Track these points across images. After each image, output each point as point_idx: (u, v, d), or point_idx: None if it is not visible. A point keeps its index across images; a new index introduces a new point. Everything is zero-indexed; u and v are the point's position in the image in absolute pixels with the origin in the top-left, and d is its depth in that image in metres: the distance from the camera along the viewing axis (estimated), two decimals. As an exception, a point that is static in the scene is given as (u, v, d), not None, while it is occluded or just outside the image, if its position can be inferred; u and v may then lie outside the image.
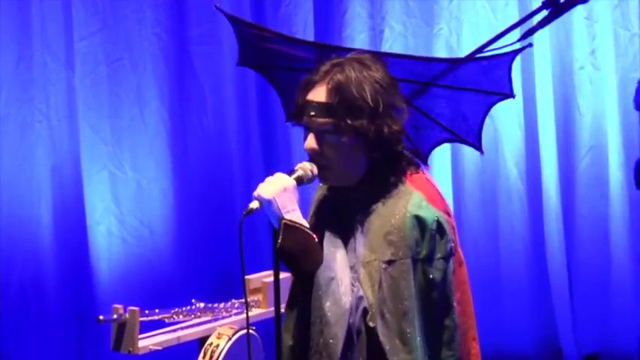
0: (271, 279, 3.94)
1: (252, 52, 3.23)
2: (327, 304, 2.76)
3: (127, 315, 3.84)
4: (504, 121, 5.58)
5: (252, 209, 2.79)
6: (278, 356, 2.91)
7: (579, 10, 5.35)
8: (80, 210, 5.43)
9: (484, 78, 3.07)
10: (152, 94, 5.50)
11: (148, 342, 3.90)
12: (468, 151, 5.44)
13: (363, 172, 2.84)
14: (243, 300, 4.02)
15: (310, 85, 2.83)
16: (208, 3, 5.33)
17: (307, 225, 2.82)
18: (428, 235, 2.77)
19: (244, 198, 5.38)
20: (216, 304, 4.12)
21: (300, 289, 2.85)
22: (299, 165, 2.85)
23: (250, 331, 3.85)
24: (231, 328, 3.95)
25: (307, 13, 5.57)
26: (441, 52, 5.53)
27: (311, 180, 2.85)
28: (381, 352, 2.75)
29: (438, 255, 2.79)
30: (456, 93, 3.08)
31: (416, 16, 5.57)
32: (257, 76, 3.90)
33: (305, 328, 2.81)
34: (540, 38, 5.32)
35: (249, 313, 3.21)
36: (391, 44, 5.55)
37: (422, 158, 3.11)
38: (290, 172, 2.83)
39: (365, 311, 2.76)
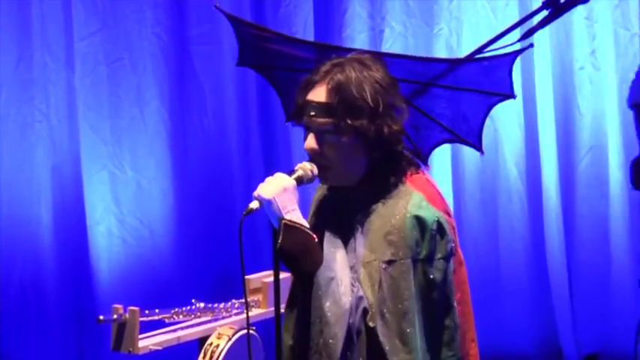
0: (271, 279, 3.94)
1: (252, 52, 3.23)
2: (327, 304, 2.76)
3: (127, 315, 3.84)
4: (504, 121, 5.58)
5: (252, 209, 2.79)
6: (278, 356, 2.91)
7: (579, 10, 5.36)
8: (80, 210, 5.43)
9: (485, 78, 3.07)
10: (152, 94, 5.50)
11: (148, 342, 3.90)
12: (468, 152, 5.44)
13: (363, 172, 2.84)
14: (243, 300, 4.02)
15: (310, 85, 2.83)
16: (208, 3, 5.33)
17: (307, 225, 2.82)
18: (428, 235, 2.77)
19: (244, 198, 5.38)
20: (216, 304, 4.12)
21: (300, 289, 2.85)
22: (299, 165, 2.85)
23: (250, 331, 3.85)
24: (231, 328, 3.95)
25: (307, 13, 5.57)
26: (441, 52, 5.53)
27: (311, 180, 2.85)
28: (381, 352, 2.74)
29: (439, 255, 2.79)
30: (457, 93, 3.08)
31: (416, 16, 5.57)
32: (257, 76, 3.90)
33: (305, 328, 2.81)
34: (540, 38, 5.32)
35: (249, 313, 3.21)
36: (391, 44, 5.55)
37: (422, 158, 3.11)
38: (290, 172, 2.83)
39: (365, 311, 2.76)
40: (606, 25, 5.52)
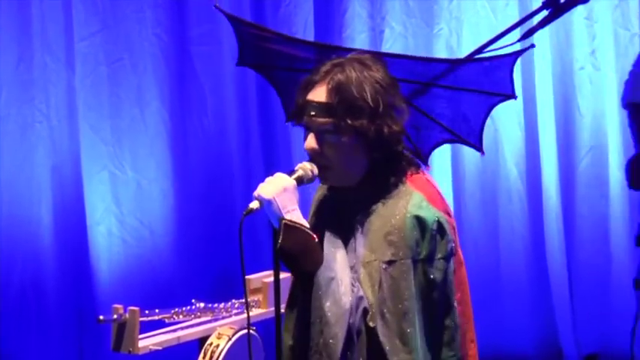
0: (271, 279, 3.94)
1: (252, 52, 3.23)
2: (327, 304, 2.76)
3: (127, 315, 3.84)
4: (504, 121, 5.59)
5: (252, 209, 2.79)
6: (278, 356, 2.92)
7: (579, 10, 5.36)
8: (80, 210, 5.43)
9: (485, 79, 3.07)
10: (152, 95, 5.50)
11: (148, 342, 3.90)
12: (468, 152, 5.44)
13: (363, 172, 2.84)
14: (243, 300, 4.02)
15: (310, 85, 2.83)
16: (208, 3, 5.33)
17: (307, 225, 2.82)
18: (428, 235, 2.78)
19: (244, 198, 5.38)
20: (216, 305, 4.12)
21: (300, 289, 2.85)
22: (299, 165, 2.85)
23: (250, 331, 3.85)
24: (231, 328, 3.95)
25: (307, 14, 5.57)
26: (441, 52, 5.53)
27: (311, 180, 2.85)
28: (381, 352, 2.75)
29: (439, 255, 2.79)
30: (457, 93, 3.08)
31: (416, 16, 5.57)
32: (257, 76, 3.90)
33: (305, 328, 2.81)
34: (540, 38, 5.31)
35: (249, 313, 3.21)
36: (391, 44, 5.55)
37: (422, 158, 3.11)
38: (290, 172, 2.83)
39: (365, 311, 2.76)
40: (606, 25, 5.52)
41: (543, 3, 3.33)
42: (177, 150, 5.53)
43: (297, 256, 2.79)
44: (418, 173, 2.90)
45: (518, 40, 3.31)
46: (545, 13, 3.34)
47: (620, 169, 5.49)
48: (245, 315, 4.07)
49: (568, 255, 5.63)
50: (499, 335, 5.64)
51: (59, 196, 5.47)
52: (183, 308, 4.07)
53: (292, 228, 2.77)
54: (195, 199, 5.55)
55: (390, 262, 2.77)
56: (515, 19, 5.12)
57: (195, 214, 5.54)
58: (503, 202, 5.66)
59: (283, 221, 2.77)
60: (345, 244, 2.84)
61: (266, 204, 2.78)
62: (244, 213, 2.78)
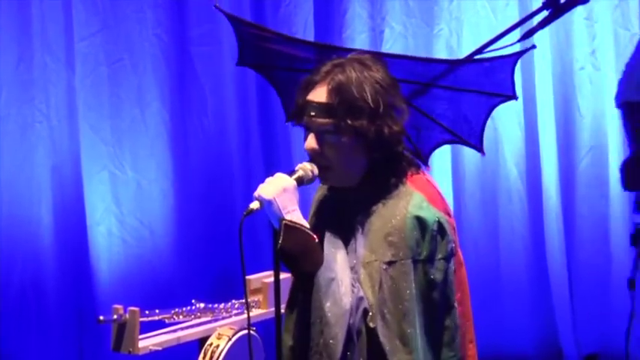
0: (271, 279, 3.94)
1: (252, 52, 3.23)
2: (328, 304, 2.76)
3: (127, 315, 3.84)
4: (504, 121, 5.58)
5: (252, 210, 2.79)
6: (278, 356, 2.92)
7: (579, 10, 5.36)
8: (80, 210, 5.43)
9: (486, 79, 3.07)
10: (153, 95, 5.50)
11: (148, 342, 3.89)
12: (468, 152, 5.44)
13: (363, 172, 2.84)
14: (244, 300, 4.02)
15: (311, 86, 2.83)
16: (208, 3, 5.33)
17: (307, 225, 2.82)
18: (429, 235, 2.78)
19: (244, 198, 5.38)
20: (216, 305, 4.12)
21: (300, 289, 2.85)
22: (299, 165, 2.85)
23: (251, 331, 3.85)
24: (231, 329, 3.95)
25: (307, 14, 5.57)
26: (441, 52, 5.53)
27: (311, 180, 2.85)
28: (382, 352, 2.75)
29: (439, 255, 2.79)
30: (457, 94, 3.08)
31: (416, 16, 5.57)
32: (257, 76, 3.90)
33: (305, 329, 2.81)
34: (541, 38, 5.31)
35: (250, 314, 3.21)
36: (391, 45, 5.55)
37: (422, 159, 3.12)
38: (290, 173, 2.83)
39: (365, 312, 2.76)
40: (606, 25, 5.52)
41: (543, 3, 3.33)
42: (177, 150, 5.53)
43: (298, 257, 2.79)
44: (418, 174, 2.89)
45: (519, 41, 3.31)
46: (545, 13, 3.33)
47: (621, 169, 5.50)
48: (245, 315, 4.07)
49: (568, 255, 5.63)
50: (499, 335, 5.64)
51: (59, 196, 5.47)
52: (184, 308, 4.06)
53: (292, 228, 2.77)
54: (195, 199, 5.54)
55: (390, 263, 2.77)
56: (516, 19, 5.12)
57: (196, 215, 5.54)
58: (503, 202, 5.66)
59: (283, 222, 2.77)
60: (346, 244, 2.84)
61: (266, 204, 2.78)
62: (244, 213, 2.79)
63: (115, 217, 5.47)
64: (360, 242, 2.81)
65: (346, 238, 2.84)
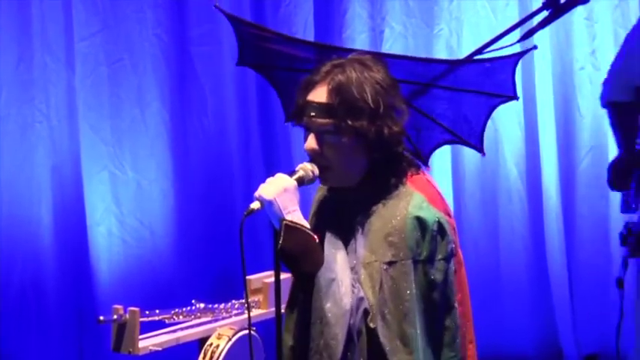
0: (272, 279, 3.95)
1: (252, 52, 3.23)
2: (328, 304, 2.76)
3: (127, 315, 3.84)
4: (504, 121, 5.59)
5: (253, 210, 2.79)
6: (278, 357, 2.92)
7: (579, 10, 5.36)
8: (80, 210, 5.43)
9: (487, 80, 3.07)
10: (153, 95, 5.50)
11: (148, 342, 3.89)
12: (468, 152, 5.43)
13: (363, 173, 2.84)
14: (244, 300, 4.02)
15: (311, 86, 2.83)
16: (208, 3, 5.32)
17: (308, 226, 2.82)
18: (429, 236, 2.78)
19: (245, 198, 5.38)
20: (216, 305, 4.12)
21: (300, 289, 2.85)
22: (300, 166, 2.85)
23: (251, 331, 3.85)
24: (232, 329, 3.95)
25: (307, 14, 5.57)
26: (441, 52, 5.53)
27: (312, 181, 2.85)
28: (382, 353, 2.75)
29: (439, 256, 2.79)
30: (458, 94, 3.08)
31: (416, 16, 5.57)
32: (257, 76, 3.90)
33: (305, 329, 2.81)
34: (541, 39, 5.31)
35: (250, 314, 3.21)
36: (391, 45, 5.55)
37: (423, 159, 3.11)
38: (291, 173, 2.83)
39: (366, 312, 2.76)
40: (606, 25, 5.52)
41: (543, 3, 3.33)
42: (177, 150, 5.53)
43: (298, 257, 2.79)
44: (418, 174, 2.90)
45: (519, 41, 3.31)
46: (545, 13, 3.33)
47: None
48: (245, 315, 4.07)
49: (568, 255, 5.63)
50: (499, 335, 5.64)
51: (59, 196, 5.47)
52: (184, 309, 4.06)
53: (293, 229, 2.77)
54: (195, 199, 5.54)
55: (390, 263, 2.77)
56: (516, 19, 5.12)
57: (196, 215, 5.54)
58: (503, 202, 5.66)
59: (284, 222, 2.77)
60: (346, 244, 2.84)
61: (267, 204, 2.78)
62: (245, 213, 2.79)
63: (115, 218, 5.47)
64: (361, 242, 2.81)
65: (346, 239, 2.84)
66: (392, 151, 2.82)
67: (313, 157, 2.84)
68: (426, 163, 3.12)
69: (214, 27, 5.47)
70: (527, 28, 3.37)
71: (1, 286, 5.41)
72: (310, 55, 3.14)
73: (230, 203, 5.54)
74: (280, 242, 2.77)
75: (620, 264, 4.40)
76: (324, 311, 2.76)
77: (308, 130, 2.84)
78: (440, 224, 2.79)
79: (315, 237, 2.80)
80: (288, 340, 2.91)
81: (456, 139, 3.13)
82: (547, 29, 3.82)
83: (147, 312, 3.92)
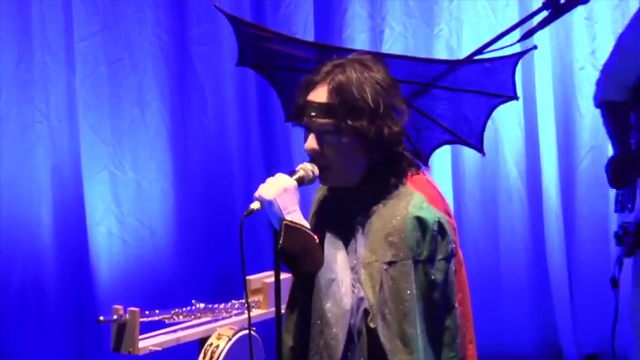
0: (272, 279, 3.95)
1: (252, 52, 3.23)
2: (328, 305, 2.76)
3: (127, 316, 3.84)
4: (504, 121, 5.58)
5: (253, 210, 2.79)
6: (278, 357, 2.92)
7: (580, 10, 5.35)
8: (80, 210, 5.43)
9: (487, 80, 3.07)
10: (153, 95, 5.50)
11: (148, 342, 3.89)
12: (468, 152, 5.43)
13: (363, 173, 2.84)
14: (244, 301, 4.02)
15: (311, 86, 2.83)
16: (208, 3, 5.32)
17: (308, 226, 2.82)
18: (429, 236, 2.78)
19: (245, 198, 5.38)
20: (216, 305, 4.12)
21: (300, 289, 2.85)
22: (300, 166, 2.85)
23: (251, 331, 3.85)
24: (232, 329, 3.95)
25: (307, 14, 5.57)
26: (441, 52, 5.53)
27: (312, 181, 2.85)
28: (382, 353, 2.75)
29: (440, 256, 2.79)
30: (458, 94, 3.08)
31: (416, 16, 5.57)
32: (257, 76, 3.90)
33: (305, 329, 2.81)
34: (541, 38, 5.31)
35: (250, 314, 3.21)
36: (391, 45, 5.54)
37: (423, 159, 3.11)
38: (291, 173, 2.83)
39: (366, 312, 2.76)
40: (606, 25, 5.52)
41: (543, 3, 3.33)
42: (177, 150, 5.53)
43: (298, 257, 2.79)
44: (418, 174, 2.90)
45: (519, 41, 3.31)
46: (545, 13, 3.33)
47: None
48: (245, 315, 4.07)
49: (568, 255, 5.63)
50: (499, 335, 5.64)
51: (59, 196, 5.47)
52: (184, 309, 4.06)
53: (293, 229, 2.77)
54: (195, 199, 5.54)
55: (390, 263, 2.77)
56: (516, 19, 5.12)
57: (196, 215, 5.54)
58: (503, 202, 5.66)
59: (284, 222, 2.77)
60: (346, 244, 2.84)
61: (267, 205, 2.78)
62: (245, 214, 2.79)
63: (115, 218, 5.47)
64: (361, 243, 2.81)
65: (346, 239, 2.84)
66: (392, 151, 2.82)
67: (313, 157, 2.84)
68: (426, 163, 3.12)
69: (214, 27, 5.47)
70: (527, 28, 3.37)
71: (1, 286, 5.41)
72: (310, 55, 3.14)
73: (230, 203, 5.54)
74: (280, 242, 2.77)
75: (614, 263, 4.40)
76: (324, 311, 2.76)
77: (308, 130, 2.84)
78: (440, 224, 2.79)
79: (315, 237, 2.81)
80: (288, 340, 2.91)
81: (456, 139, 3.13)
82: (547, 29, 3.82)
83: (147, 312, 3.92)
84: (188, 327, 4.05)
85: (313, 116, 2.80)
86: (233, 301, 4.16)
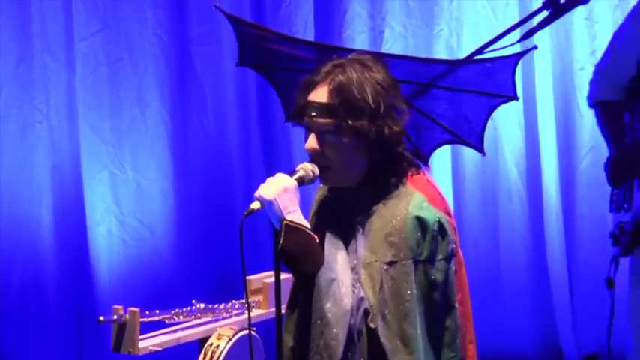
0: (272, 279, 3.95)
1: (252, 52, 3.23)
2: (328, 305, 2.76)
3: (127, 316, 3.84)
4: (504, 121, 5.58)
5: (253, 210, 2.79)
6: (279, 357, 2.92)
7: (580, 10, 5.35)
8: (80, 210, 5.43)
9: (487, 80, 3.07)
10: (153, 95, 5.50)
11: (148, 343, 3.89)
12: (468, 152, 5.43)
13: (363, 173, 2.84)
14: (244, 300, 4.02)
15: (311, 86, 2.83)
16: (208, 3, 5.33)
17: (308, 226, 2.82)
18: (429, 236, 2.78)
19: (245, 198, 5.38)
20: (216, 305, 4.12)
21: (301, 289, 2.85)
22: (300, 166, 2.85)
23: (251, 331, 3.85)
24: (232, 329, 3.95)
25: (307, 14, 5.57)
26: (441, 52, 5.53)
27: (312, 181, 2.85)
28: (383, 353, 2.75)
29: (440, 256, 2.79)
30: (458, 94, 3.08)
31: (416, 16, 5.57)
32: (257, 76, 3.90)
33: (306, 329, 2.81)
34: (541, 39, 5.31)
35: (250, 314, 3.21)
36: (391, 45, 5.54)
37: (423, 159, 3.11)
38: (291, 173, 2.83)
39: (366, 312, 2.76)
40: (606, 25, 5.52)
41: (543, 3, 3.34)
42: (177, 150, 5.53)
43: (298, 257, 2.79)
44: (419, 174, 2.90)
45: (519, 41, 3.31)
46: (545, 13, 3.34)
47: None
48: (245, 315, 4.07)
49: (568, 255, 5.63)
50: (499, 335, 5.64)
51: (59, 196, 5.47)
52: (184, 309, 4.06)
53: (293, 229, 2.77)
54: (195, 199, 5.54)
55: (391, 263, 2.77)
56: (516, 19, 5.12)
57: (196, 215, 5.54)
58: (503, 202, 5.66)
59: (284, 222, 2.77)
60: (346, 244, 2.84)
61: (267, 205, 2.78)
62: (245, 214, 2.79)
63: (115, 218, 5.47)
64: (361, 242, 2.81)
65: (347, 239, 2.84)
66: (392, 151, 2.82)
67: (314, 157, 2.84)
68: (426, 163, 3.12)
69: (214, 27, 5.47)
70: (527, 28, 3.37)
71: (1, 286, 5.41)
72: (310, 55, 3.14)
73: (230, 203, 5.54)
74: (280, 242, 2.77)
75: (610, 263, 4.39)
76: (324, 311, 2.76)
77: (309, 130, 2.84)
78: (440, 224, 2.79)
79: (316, 237, 2.81)
80: (288, 340, 2.91)
81: (456, 139, 3.13)
82: (547, 29, 3.82)
83: (147, 312, 3.92)
84: (188, 327, 4.05)
85: (314, 116, 2.81)
86: (233, 301, 4.16)
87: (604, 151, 5.54)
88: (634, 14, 4.23)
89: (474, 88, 3.07)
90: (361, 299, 2.76)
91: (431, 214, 2.79)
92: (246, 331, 3.86)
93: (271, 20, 5.54)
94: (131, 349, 3.83)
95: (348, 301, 2.76)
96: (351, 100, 2.76)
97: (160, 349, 3.91)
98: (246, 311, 3.91)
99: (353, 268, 2.80)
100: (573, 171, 5.63)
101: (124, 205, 5.47)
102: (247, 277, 4.13)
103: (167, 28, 5.49)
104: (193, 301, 4.12)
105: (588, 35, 5.54)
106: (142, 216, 5.49)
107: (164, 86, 5.51)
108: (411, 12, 5.57)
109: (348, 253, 2.82)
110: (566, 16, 3.51)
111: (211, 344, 3.90)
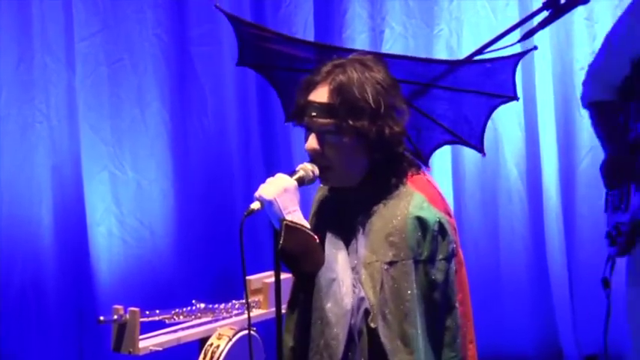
0: (272, 280, 3.94)
1: (252, 52, 3.23)
2: (328, 305, 2.76)
3: (128, 316, 3.84)
4: (505, 121, 5.58)
5: (253, 210, 2.79)
6: (279, 357, 2.92)
7: (580, 10, 5.35)
8: (80, 210, 5.43)
9: (487, 80, 3.07)
10: (153, 95, 5.50)
11: (148, 343, 3.89)
12: (468, 152, 5.43)
13: (364, 173, 2.84)
14: (244, 301, 4.02)
15: (312, 86, 2.83)
16: (208, 3, 5.33)
17: (308, 226, 2.82)
18: (430, 236, 2.78)
19: (245, 199, 5.38)
20: (216, 305, 4.12)
21: (301, 290, 2.85)
22: (300, 166, 2.85)
23: (251, 331, 3.85)
24: (232, 329, 3.95)
25: (307, 14, 5.57)
26: (441, 52, 5.52)
27: (312, 181, 2.86)
28: (383, 353, 2.75)
29: (440, 256, 2.79)
30: (458, 95, 3.08)
31: (416, 16, 5.57)
32: (257, 76, 3.90)
33: (306, 329, 2.81)
34: (541, 39, 5.31)
35: (250, 314, 3.21)
36: (391, 45, 5.54)
37: (423, 159, 3.12)
38: (291, 173, 2.83)
39: (366, 312, 2.76)
40: (606, 25, 5.48)
41: (544, 4, 3.34)
42: (177, 150, 5.53)
43: (298, 257, 2.79)
44: (419, 174, 2.90)
45: (519, 41, 3.31)
46: (545, 13, 3.34)
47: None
48: (245, 315, 4.07)
49: (568, 255, 5.63)
50: (499, 335, 5.64)
51: (59, 196, 5.47)
52: (184, 309, 4.06)
53: (293, 229, 2.77)
54: (195, 199, 5.54)
55: (391, 263, 2.77)
56: (516, 19, 5.12)
57: (196, 215, 5.54)
58: (503, 202, 5.66)
59: (284, 222, 2.77)
60: (346, 244, 2.84)
61: (267, 205, 2.78)
62: (245, 214, 2.79)
63: (115, 218, 5.47)
64: (361, 242, 2.81)
65: (347, 239, 2.84)
66: (393, 151, 2.83)
67: (314, 157, 2.84)
68: (426, 164, 3.13)
69: (214, 27, 5.47)
70: (527, 28, 3.37)
71: (1, 286, 5.41)
72: (310, 55, 3.14)
73: (230, 203, 5.54)
74: (280, 242, 2.77)
75: (605, 263, 4.39)
76: (324, 311, 2.76)
77: (309, 130, 2.84)
78: (441, 224, 2.79)
79: (316, 237, 2.81)
80: (288, 340, 2.91)
81: (456, 140, 3.13)
82: (547, 29, 3.82)
83: (147, 312, 3.92)
84: (188, 327, 4.05)
85: (314, 116, 2.81)
86: (233, 301, 4.16)
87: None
88: (628, 13, 4.22)
89: (474, 88, 3.07)
90: (361, 299, 2.76)
91: (431, 214, 2.79)
92: (246, 331, 3.86)
93: (271, 20, 5.54)
94: (131, 349, 3.83)
95: (348, 301, 2.76)
96: (352, 100, 2.76)
97: (160, 349, 3.91)
98: (246, 311, 3.92)
99: (353, 268, 2.80)
100: (573, 171, 5.63)
101: (124, 205, 5.47)
102: (247, 277, 4.13)
103: (167, 28, 5.48)
104: (193, 301, 4.12)
105: (588, 35, 5.54)
106: (142, 216, 5.49)
107: (164, 86, 5.50)
108: (411, 12, 5.57)
109: (348, 253, 2.82)
110: (567, 16, 3.51)
111: (211, 344, 3.90)
